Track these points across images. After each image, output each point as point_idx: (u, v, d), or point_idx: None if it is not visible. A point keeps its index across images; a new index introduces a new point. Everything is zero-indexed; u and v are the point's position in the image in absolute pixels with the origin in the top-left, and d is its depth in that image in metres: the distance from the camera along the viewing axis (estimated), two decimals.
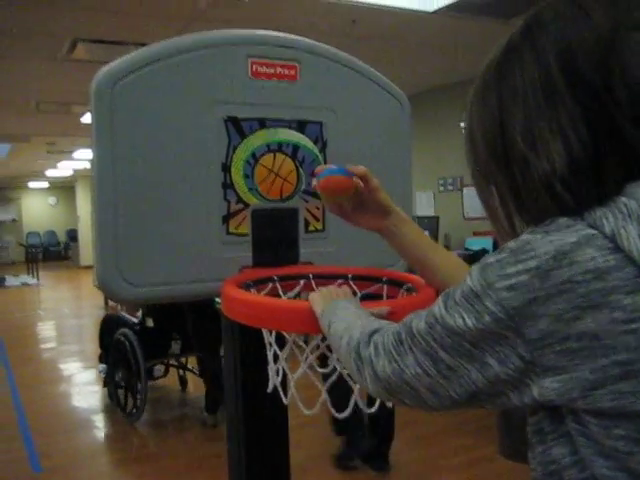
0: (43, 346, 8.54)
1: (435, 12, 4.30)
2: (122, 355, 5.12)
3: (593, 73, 0.75)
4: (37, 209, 22.36)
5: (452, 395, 0.81)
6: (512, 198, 0.82)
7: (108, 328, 5.53)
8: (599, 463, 0.73)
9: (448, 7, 4.21)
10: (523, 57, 0.81)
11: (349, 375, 1.09)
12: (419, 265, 1.41)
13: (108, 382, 5.49)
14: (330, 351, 1.22)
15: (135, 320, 5.35)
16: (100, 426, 5.25)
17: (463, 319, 0.76)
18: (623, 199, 0.73)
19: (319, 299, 1.23)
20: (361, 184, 1.35)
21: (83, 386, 6.40)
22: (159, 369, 5.53)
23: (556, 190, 0.76)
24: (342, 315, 1.12)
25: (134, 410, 5.02)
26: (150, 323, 5.26)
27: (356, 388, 1.29)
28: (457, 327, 0.77)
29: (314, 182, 1.36)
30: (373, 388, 0.92)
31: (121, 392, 5.25)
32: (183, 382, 5.78)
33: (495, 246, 6.10)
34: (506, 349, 0.74)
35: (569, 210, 0.75)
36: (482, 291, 0.74)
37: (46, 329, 9.48)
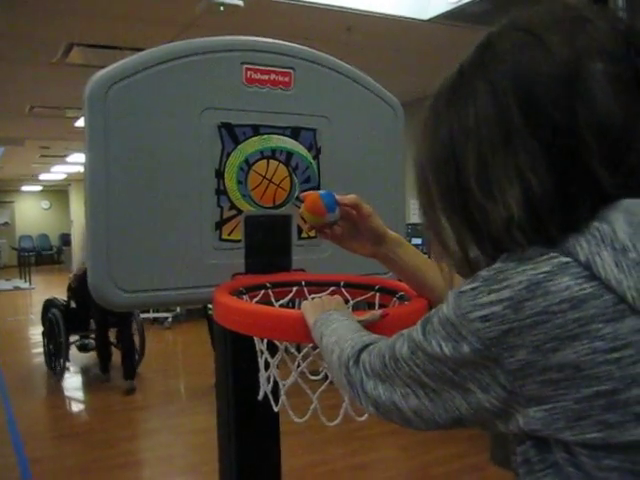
0: (34, 351, 8.48)
1: (430, 20, 4.31)
2: (52, 330, 6.56)
3: (555, 111, 0.70)
4: (30, 213, 22.27)
5: (437, 419, 0.79)
6: (471, 236, 0.79)
7: (45, 310, 6.93)
8: None
9: (443, 16, 4.22)
10: (477, 91, 0.75)
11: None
12: (418, 285, 1.40)
13: (45, 351, 6.89)
14: (322, 359, 1.21)
15: (63, 302, 6.76)
16: (90, 431, 5.22)
17: (440, 347, 0.74)
18: (596, 224, 0.69)
19: (311, 309, 1.22)
20: (353, 212, 1.35)
21: (74, 391, 6.37)
22: (90, 343, 6.79)
23: (515, 236, 0.73)
24: (333, 327, 1.10)
25: (60, 370, 6.42)
26: (73, 304, 6.63)
27: (346, 398, 1.29)
28: (436, 354, 0.75)
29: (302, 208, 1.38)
30: (364, 404, 0.91)
31: (52, 358, 6.63)
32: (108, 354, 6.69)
33: None
34: (487, 378, 0.72)
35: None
36: (457, 320, 0.72)
37: (38, 334, 9.38)
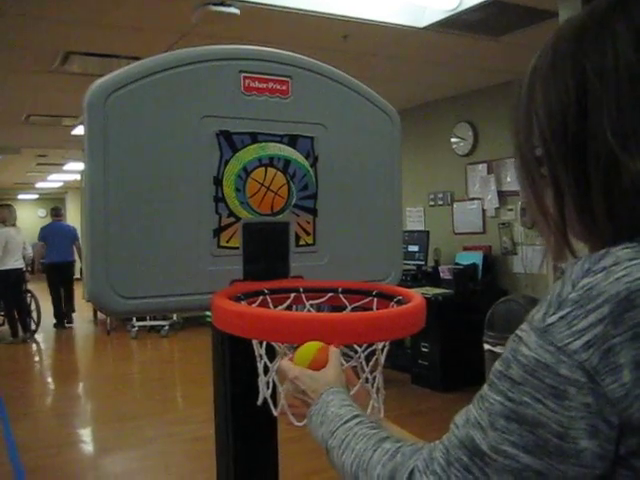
0: (31, 360, 8.48)
1: (426, 28, 4.33)
2: None
3: None
4: (26, 221, 22.16)
5: None
6: (576, 196, 0.70)
7: None
8: None
9: (439, 23, 4.25)
10: (616, 31, 0.68)
11: None
12: None
13: None
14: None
15: None
16: (88, 441, 5.21)
17: (541, 402, 0.63)
18: None
19: (301, 383, 1.07)
20: None
21: (70, 400, 6.35)
22: None
23: None
24: (341, 437, 0.90)
25: None
26: None
27: None
28: (536, 417, 0.63)
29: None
30: None
31: None
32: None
33: (486, 260, 6.12)
34: (592, 419, 0.62)
35: None
36: (553, 359, 0.63)
37: (34, 342, 9.40)
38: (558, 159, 0.71)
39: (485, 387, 0.69)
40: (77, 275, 10.70)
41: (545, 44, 0.75)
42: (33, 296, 9.79)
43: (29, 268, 9.93)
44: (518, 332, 0.67)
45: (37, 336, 9.69)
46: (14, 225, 9.15)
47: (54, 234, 9.80)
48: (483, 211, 6.39)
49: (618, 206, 0.67)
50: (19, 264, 9.02)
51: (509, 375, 0.65)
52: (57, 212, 10.28)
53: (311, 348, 1.15)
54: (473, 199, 6.53)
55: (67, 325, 10.29)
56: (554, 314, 0.64)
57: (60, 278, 9.90)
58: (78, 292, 10.45)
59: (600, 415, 0.62)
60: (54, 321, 10.19)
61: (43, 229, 10.06)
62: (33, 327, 9.65)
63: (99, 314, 10.09)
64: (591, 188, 0.68)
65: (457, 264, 6.28)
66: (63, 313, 10.19)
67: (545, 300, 0.67)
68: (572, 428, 0.62)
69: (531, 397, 0.63)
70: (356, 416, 0.93)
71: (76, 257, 10.08)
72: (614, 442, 0.63)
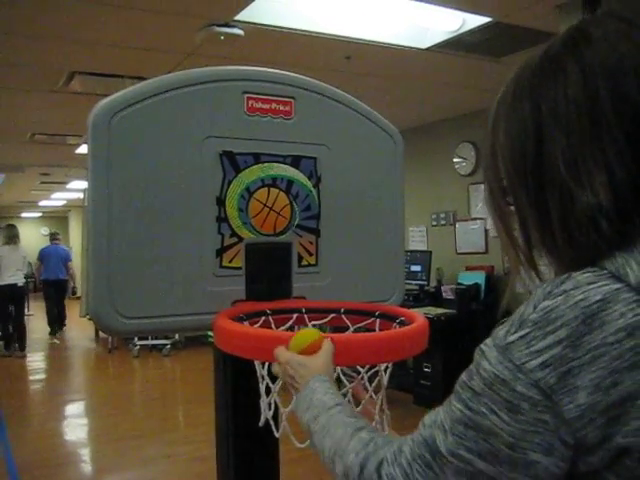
0: (31, 378, 8.45)
1: (428, 49, 4.36)
2: None
3: None
4: (29, 239, 22.20)
5: None
6: (538, 224, 0.75)
7: None
8: None
9: (441, 44, 4.27)
10: (567, 71, 0.73)
11: None
12: None
13: None
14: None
15: None
16: (88, 460, 5.18)
17: (496, 414, 0.67)
18: None
19: (290, 369, 1.12)
20: None
21: (71, 419, 6.32)
22: None
23: (601, 226, 0.69)
24: (322, 422, 0.97)
25: None
26: None
27: None
28: (490, 428, 0.67)
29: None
30: None
31: None
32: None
33: (488, 280, 6.11)
34: (548, 437, 0.65)
35: (609, 248, 0.69)
36: (511, 375, 0.66)
37: (34, 360, 9.38)
38: (520, 189, 0.76)
39: (452, 395, 0.74)
40: (73, 294, 11.79)
41: (509, 80, 0.80)
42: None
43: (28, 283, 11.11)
44: (482, 346, 0.71)
45: (38, 353, 9.68)
46: (8, 244, 9.40)
47: (50, 255, 11.16)
48: (485, 231, 6.38)
49: (576, 234, 0.71)
50: (14, 279, 9.25)
51: (471, 386, 0.70)
52: (54, 236, 11.76)
53: (307, 337, 1.21)
54: (476, 219, 6.53)
55: (57, 335, 11.13)
56: (515, 333, 0.68)
57: (53, 293, 11.22)
58: (74, 309, 11.45)
59: (556, 433, 0.65)
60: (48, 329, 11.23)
61: (41, 251, 11.38)
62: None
63: (101, 332, 10.07)
64: (551, 216, 0.73)
65: (459, 284, 6.27)
66: (55, 324, 11.36)
67: (510, 319, 0.70)
68: (523, 440, 0.66)
69: (488, 408, 0.67)
70: (338, 404, 0.99)
71: (68, 276, 11.46)
72: (569, 460, 0.66)
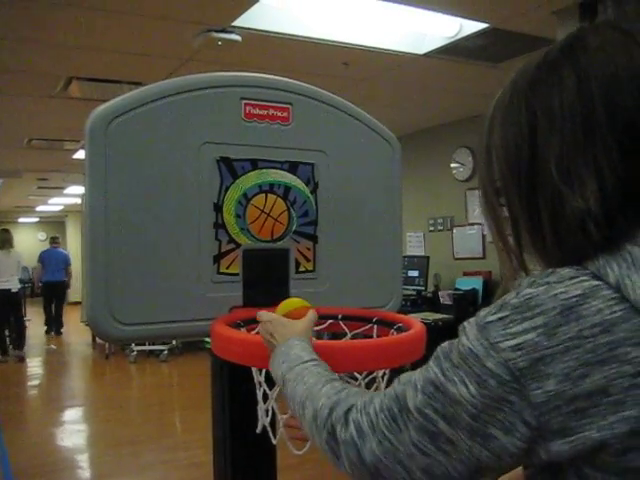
0: (29, 383, 8.43)
1: (426, 55, 4.37)
2: None
3: (637, 112, 0.71)
4: (26, 244, 22.19)
5: (452, 474, 0.73)
6: (529, 226, 0.78)
7: None
8: None
9: (438, 50, 4.28)
10: (563, 79, 0.75)
11: None
12: None
13: None
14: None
15: None
16: (85, 466, 5.16)
17: (465, 385, 0.70)
18: (628, 246, 0.70)
19: (271, 327, 1.16)
20: None
21: (68, 425, 6.30)
22: None
23: (589, 230, 0.71)
24: (297, 371, 1.00)
25: None
26: None
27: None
28: (457, 396, 0.71)
29: None
30: (354, 472, 0.82)
31: None
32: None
33: (486, 285, 6.11)
34: (510, 416, 0.68)
35: (594, 251, 0.71)
36: (483, 352, 0.70)
37: (32, 366, 9.35)
38: (513, 191, 0.79)
39: (431, 359, 0.77)
40: (72, 297, 12.40)
41: (507, 83, 0.82)
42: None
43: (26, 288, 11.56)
44: (465, 323, 0.75)
45: (35, 359, 9.66)
46: (1, 249, 9.32)
47: (50, 258, 11.64)
48: (483, 236, 6.39)
49: (565, 235, 0.74)
50: (8, 285, 9.17)
51: (449, 357, 0.74)
52: (54, 240, 12.18)
53: (294, 302, 1.27)
54: (473, 224, 6.54)
55: (56, 335, 11.74)
56: (495, 314, 0.71)
57: (53, 294, 11.83)
58: (73, 314, 11.97)
59: (520, 415, 0.68)
60: (45, 328, 11.95)
61: (42, 254, 11.80)
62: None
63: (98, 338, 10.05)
64: (541, 218, 0.76)
65: (457, 289, 6.27)
66: (52, 323, 12.04)
67: (494, 302, 0.74)
68: (485, 413, 0.69)
69: (459, 378, 0.71)
70: (314, 359, 1.03)
71: (67, 278, 11.99)
72: (528, 442, 0.69)
